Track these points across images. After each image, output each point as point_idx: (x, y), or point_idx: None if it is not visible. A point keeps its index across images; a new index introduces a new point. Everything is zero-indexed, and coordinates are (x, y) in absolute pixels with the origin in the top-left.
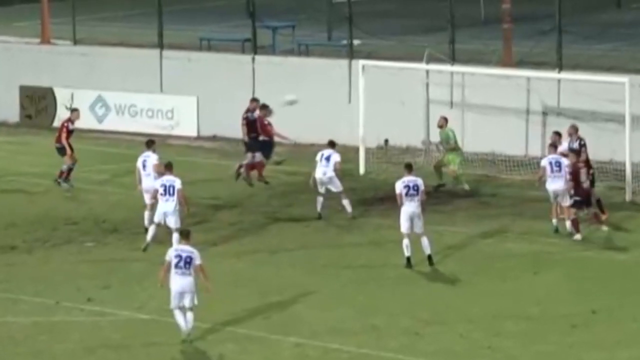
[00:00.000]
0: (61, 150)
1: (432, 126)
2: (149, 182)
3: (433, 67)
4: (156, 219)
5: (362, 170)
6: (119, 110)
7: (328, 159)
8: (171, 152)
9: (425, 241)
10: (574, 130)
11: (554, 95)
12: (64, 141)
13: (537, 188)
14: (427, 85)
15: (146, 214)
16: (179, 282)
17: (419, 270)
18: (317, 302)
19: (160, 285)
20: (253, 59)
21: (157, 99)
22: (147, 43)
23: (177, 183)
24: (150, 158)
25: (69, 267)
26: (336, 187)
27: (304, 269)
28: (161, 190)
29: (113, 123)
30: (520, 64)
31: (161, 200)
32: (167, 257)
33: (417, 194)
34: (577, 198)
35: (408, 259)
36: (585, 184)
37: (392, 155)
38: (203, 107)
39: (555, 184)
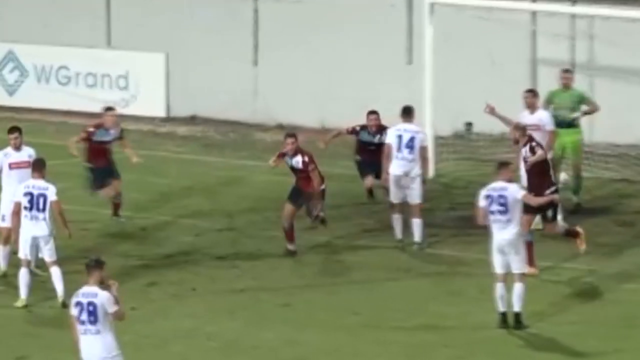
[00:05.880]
0: None
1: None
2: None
3: (543, 6)
4: (24, 253)
5: (430, 171)
6: (40, 76)
7: (412, 144)
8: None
9: (517, 289)
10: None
11: None
12: None
13: None
14: (534, 34)
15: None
16: (89, 348)
17: (511, 332)
18: None
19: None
20: None
21: (103, 58)
22: None
23: (51, 191)
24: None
25: None
26: (415, 195)
27: (331, 326)
28: (25, 202)
29: (32, 95)
30: None
31: (25, 220)
32: (71, 310)
33: (507, 211)
34: None
35: (503, 315)
36: None
37: (478, 148)
38: (175, 71)
39: None
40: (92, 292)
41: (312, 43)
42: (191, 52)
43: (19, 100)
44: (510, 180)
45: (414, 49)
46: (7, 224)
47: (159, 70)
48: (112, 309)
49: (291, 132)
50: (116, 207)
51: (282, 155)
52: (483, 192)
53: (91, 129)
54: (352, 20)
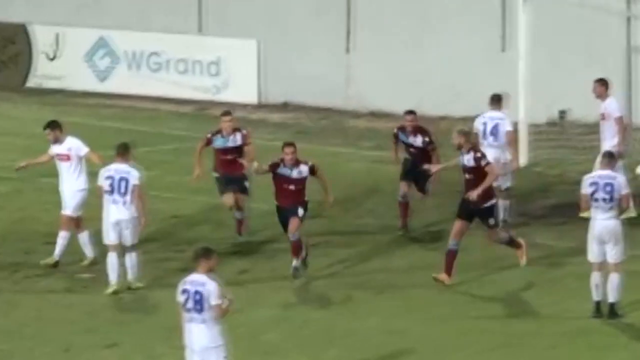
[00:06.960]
0: None
1: (636, 88)
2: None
3: None
4: (108, 238)
5: (524, 159)
6: (132, 62)
7: (496, 131)
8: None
9: (614, 280)
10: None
11: None
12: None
13: None
14: (629, 20)
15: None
16: (193, 336)
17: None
18: None
19: None
20: None
21: (194, 44)
22: None
23: (133, 175)
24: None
25: (52, 313)
26: (507, 179)
27: (427, 315)
28: (107, 185)
29: (123, 82)
30: None
31: (107, 204)
32: (177, 297)
33: (612, 200)
34: None
35: (597, 304)
36: None
37: (573, 136)
38: (267, 58)
39: None
40: (200, 281)
41: (405, 30)
42: (283, 39)
43: (110, 86)
44: (613, 170)
45: (509, 36)
46: (69, 211)
47: (251, 56)
48: (215, 301)
49: (289, 141)
50: (239, 224)
51: (276, 166)
52: (587, 180)
53: (209, 135)
54: (446, 6)
